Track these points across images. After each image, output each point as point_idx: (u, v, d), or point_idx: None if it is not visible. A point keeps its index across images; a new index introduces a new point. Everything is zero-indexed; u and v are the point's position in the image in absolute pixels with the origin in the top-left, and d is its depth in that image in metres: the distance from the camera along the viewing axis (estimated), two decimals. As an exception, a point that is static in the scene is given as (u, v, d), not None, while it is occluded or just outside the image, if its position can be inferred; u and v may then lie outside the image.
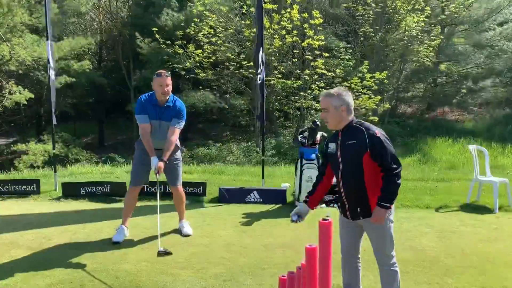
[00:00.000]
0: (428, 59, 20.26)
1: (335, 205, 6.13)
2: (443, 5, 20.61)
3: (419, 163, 13.87)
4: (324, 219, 2.07)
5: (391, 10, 18.74)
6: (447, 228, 5.21)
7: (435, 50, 20.25)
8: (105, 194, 6.44)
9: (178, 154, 4.77)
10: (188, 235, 4.71)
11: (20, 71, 16.17)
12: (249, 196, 6.27)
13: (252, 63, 14.42)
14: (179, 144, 4.77)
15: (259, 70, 6.45)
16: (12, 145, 17.43)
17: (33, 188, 6.45)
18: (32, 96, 15.57)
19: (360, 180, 2.85)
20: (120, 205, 6.06)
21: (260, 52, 6.41)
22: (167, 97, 4.43)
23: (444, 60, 22.49)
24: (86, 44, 18.28)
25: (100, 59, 25.41)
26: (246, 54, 15.17)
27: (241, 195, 6.29)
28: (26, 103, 15.77)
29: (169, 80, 4.37)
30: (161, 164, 4.37)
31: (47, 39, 6.14)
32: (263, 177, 6.72)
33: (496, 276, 3.86)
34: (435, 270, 4.01)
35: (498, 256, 4.30)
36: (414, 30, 18.09)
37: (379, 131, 2.84)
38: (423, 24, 18.18)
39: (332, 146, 2.99)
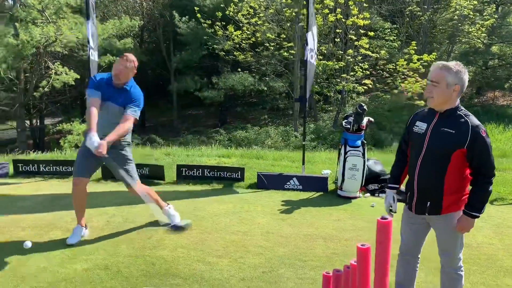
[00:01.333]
0: (479, 40, 19.13)
1: (381, 194, 5.84)
2: (498, -19, 19.33)
3: (468, 151, 13.19)
4: (383, 218, 1.81)
5: (441, -12, 17.74)
6: (504, 223, 4.80)
7: (488, 30, 19.04)
8: (144, 177, 6.40)
9: (129, 151, 4.18)
10: None
11: (65, 52, 16.53)
12: (288, 183, 6.06)
13: (292, 44, 14.04)
14: (129, 139, 4.24)
15: (310, 47, 6.07)
16: (57, 125, 18.00)
17: (74, 168, 6.51)
18: (78, 76, 15.92)
19: (441, 173, 2.50)
20: (159, 188, 6.02)
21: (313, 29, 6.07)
22: (121, 81, 4.02)
23: (497, 42, 21.15)
24: (130, 26, 18.41)
25: (141, 41, 25.67)
26: (286, 35, 14.78)
27: (280, 181, 6.08)
28: (73, 83, 16.16)
29: (129, 67, 3.97)
30: (104, 143, 3.65)
31: (87, 19, 6.09)
32: (303, 163, 6.47)
33: None
34: (492, 270, 3.67)
35: None
36: (465, 9, 17.06)
37: (484, 130, 2.46)
38: (475, 2, 17.08)
39: (421, 125, 2.59)
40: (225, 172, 6.40)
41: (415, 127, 2.62)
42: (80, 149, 4.13)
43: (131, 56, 4.04)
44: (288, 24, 15.03)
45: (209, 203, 5.34)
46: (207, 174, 6.39)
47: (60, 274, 3.36)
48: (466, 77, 2.49)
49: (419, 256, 2.85)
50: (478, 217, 2.50)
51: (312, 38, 6.04)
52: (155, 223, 4.45)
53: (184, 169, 6.40)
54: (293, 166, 7.38)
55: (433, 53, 14.21)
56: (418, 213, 2.66)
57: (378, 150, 12.93)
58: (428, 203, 2.58)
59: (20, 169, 6.54)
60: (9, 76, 16.97)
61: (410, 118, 2.73)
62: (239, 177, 6.35)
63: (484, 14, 18.07)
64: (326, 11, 13.15)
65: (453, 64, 2.48)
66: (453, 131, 2.45)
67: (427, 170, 2.55)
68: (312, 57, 6.09)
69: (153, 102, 26.50)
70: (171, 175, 6.47)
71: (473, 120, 2.47)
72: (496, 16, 18.82)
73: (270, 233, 4.39)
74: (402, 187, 2.86)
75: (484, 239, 4.33)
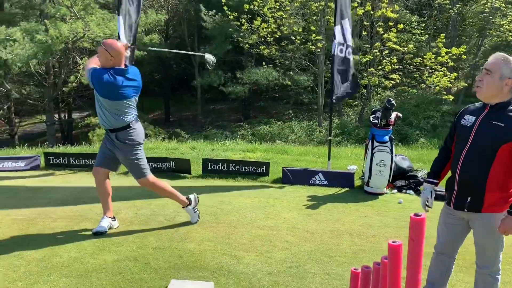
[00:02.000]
0: (511, 33, 18.51)
1: (408, 191, 5.76)
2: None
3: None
4: (416, 215, 1.76)
5: (471, -21, 17.27)
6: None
7: (521, 23, 18.41)
8: (171, 170, 6.49)
9: (129, 150, 3.97)
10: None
11: (93, 48, 16.83)
12: (313, 178, 6.03)
13: (320, 37, 13.90)
14: (134, 139, 3.97)
15: (338, 41, 5.96)
16: (85, 119, 18.41)
17: (103, 161, 6.64)
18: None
19: (485, 168, 2.41)
20: (185, 182, 6.09)
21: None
22: (104, 66, 3.84)
23: (530, 35, 20.42)
24: (156, 20, 18.59)
25: (166, 36, 25.92)
26: (314, 27, 14.64)
27: (305, 176, 6.06)
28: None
29: (100, 50, 3.80)
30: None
31: (118, 15, 6.16)
32: (329, 159, 6.42)
33: None
34: (526, 270, 3.57)
35: None
36: (497, 1, 16.54)
37: None
38: (508, -6, 16.54)
39: (469, 118, 2.52)
40: (250, 167, 6.41)
41: (463, 120, 2.55)
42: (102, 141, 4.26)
43: (104, 41, 3.89)
44: (314, 18, 14.90)
45: (235, 197, 5.37)
46: (232, 168, 6.42)
47: (91, 264, 3.44)
48: None
49: (455, 256, 2.78)
50: None
51: (340, 32, 5.96)
52: (182, 216, 4.50)
53: (209, 163, 6.45)
54: (318, 162, 7.34)
55: (463, 46, 13.84)
56: (457, 208, 2.57)
57: (404, 146, 12.72)
58: (469, 198, 2.49)
59: (51, 162, 6.72)
60: (39, 71, 17.42)
61: (459, 112, 2.67)
62: (264, 171, 6.36)
63: (517, 6, 17.50)
64: (355, 4, 12.95)
65: None
66: (503, 125, 2.36)
67: (471, 163, 2.46)
68: (342, 51, 6.00)
69: (178, 97, 26.83)
70: (196, 169, 6.54)
71: None
72: (529, 8, 18.18)
73: (296, 228, 4.39)
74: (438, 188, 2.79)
75: (516, 238, 4.21)
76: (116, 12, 6.20)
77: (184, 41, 23.70)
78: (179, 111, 27.07)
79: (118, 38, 6.06)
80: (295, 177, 6.09)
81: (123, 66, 3.86)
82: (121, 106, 3.85)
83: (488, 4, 16.72)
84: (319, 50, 14.70)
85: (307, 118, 19.67)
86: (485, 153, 2.41)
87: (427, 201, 2.74)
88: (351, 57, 6.19)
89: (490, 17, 17.70)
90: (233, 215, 4.70)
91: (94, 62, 3.98)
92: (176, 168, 6.48)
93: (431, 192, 2.75)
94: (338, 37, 5.96)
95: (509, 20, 17.18)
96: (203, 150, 8.14)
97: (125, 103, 3.87)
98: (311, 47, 14.60)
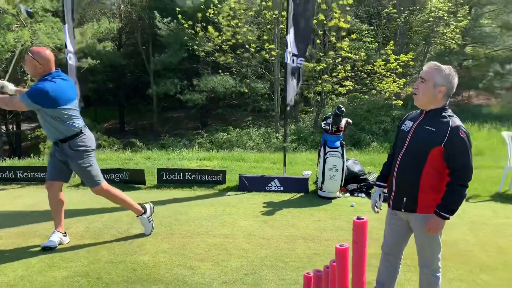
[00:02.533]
0: (453, 41, 19.58)
1: (360, 194, 5.93)
2: (471, -16, 19.82)
3: (445, 149, 13.49)
4: (359, 218, 1.84)
5: (416, -10, 18.10)
6: (479, 220, 4.94)
7: (462, 32, 19.52)
8: (124, 181, 6.35)
9: (82, 158, 3.91)
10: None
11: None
12: (269, 185, 6.09)
13: (274, 46, 14.08)
14: (86, 145, 3.95)
15: (289, 50, 6.06)
16: (36, 130, 17.65)
17: (52, 175, 6.40)
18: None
19: (418, 170, 2.56)
20: (139, 193, 5.98)
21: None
22: (32, 76, 3.85)
23: (470, 43, 21.72)
24: (108, 29, 18.19)
25: (119, 44, 25.39)
26: (267, 36, 14.83)
27: (261, 183, 6.11)
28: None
29: (27, 59, 3.74)
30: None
31: (64, 23, 6.01)
32: (284, 165, 6.52)
33: (536, 273, 3.61)
34: (468, 265, 3.78)
35: (536, 252, 4.04)
36: (440, 11, 17.45)
37: (465, 132, 2.49)
38: (450, 4, 17.49)
39: (408, 124, 2.68)
40: (206, 175, 6.39)
41: (404, 125, 2.71)
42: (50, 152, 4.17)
43: (31, 49, 3.85)
44: (268, 27, 15.10)
45: (191, 206, 5.33)
46: (188, 177, 6.37)
47: (39, 282, 3.31)
48: (454, 82, 2.55)
49: (401, 257, 2.90)
50: (448, 218, 2.51)
51: (290, 41, 6.08)
52: (136, 229, 4.42)
53: (165, 173, 6.37)
54: (275, 168, 7.42)
55: (410, 53, 14.48)
56: (395, 208, 2.72)
57: (357, 150, 13.09)
58: (404, 199, 2.64)
59: (-4, 176, 6.41)
60: (-17, 81, 16.55)
61: (402, 119, 2.82)
62: (221, 179, 6.35)
63: (458, 16, 18.51)
64: (322, 17, 13.21)
65: (445, 67, 2.55)
66: (434, 129, 2.51)
67: (406, 166, 2.62)
68: (289, 59, 6.11)
69: (133, 106, 26.28)
70: (151, 179, 6.44)
71: (455, 120, 2.52)
72: (469, 17, 19.30)
73: (252, 235, 4.42)
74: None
75: (459, 235, 4.44)
76: (62, 21, 6.05)
77: (138, 48, 23.33)
78: (135, 120, 26.54)
79: (65, 47, 5.92)
80: (251, 184, 6.13)
81: (54, 70, 3.81)
82: (69, 110, 3.79)
83: (432, 13, 17.61)
84: (273, 58, 14.90)
85: (264, 125, 19.84)
86: (418, 156, 2.56)
87: (376, 204, 2.86)
88: (297, 65, 6.31)
89: (434, 25, 18.64)
90: (188, 225, 4.67)
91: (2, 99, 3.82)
92: (130, 179, 6.35)
93: (380, 195, 2.89)
94: (290, 46, 6.08)
95: (451, 29, 18.15)
96: (158, 159, 8.03)
97: (72, 106, 3.81)
98: (265, 55, 14.77)
